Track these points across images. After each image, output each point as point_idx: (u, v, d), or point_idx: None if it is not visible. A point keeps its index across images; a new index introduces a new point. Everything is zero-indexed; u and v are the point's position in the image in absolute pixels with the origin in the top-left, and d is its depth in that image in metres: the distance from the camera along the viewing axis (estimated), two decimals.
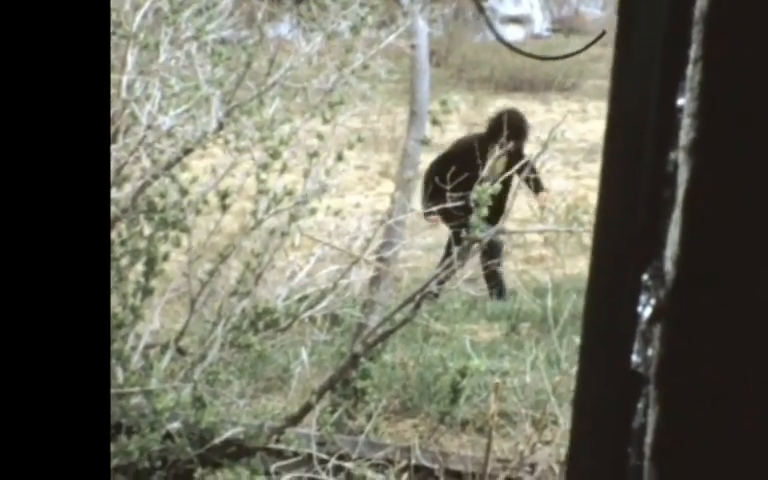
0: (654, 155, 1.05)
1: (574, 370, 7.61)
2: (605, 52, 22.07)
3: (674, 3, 1.03)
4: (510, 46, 4.14)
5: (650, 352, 1.06)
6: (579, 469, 1.15)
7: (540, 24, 25.57)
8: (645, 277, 1.06)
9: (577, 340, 8.25)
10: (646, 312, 1.06)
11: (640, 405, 1.06)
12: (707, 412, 1.05)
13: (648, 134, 1.05)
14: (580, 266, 13.83)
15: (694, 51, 1.02)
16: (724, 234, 1.03)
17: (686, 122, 1.03)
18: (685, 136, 1.03)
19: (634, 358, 1.06)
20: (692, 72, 1.02)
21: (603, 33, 3.86)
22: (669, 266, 1.04)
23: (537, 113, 20.18)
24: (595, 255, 1.12)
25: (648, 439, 1.06)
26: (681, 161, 1.03)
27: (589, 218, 13.40)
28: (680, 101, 1.03)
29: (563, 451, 7.10)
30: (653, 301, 1.06)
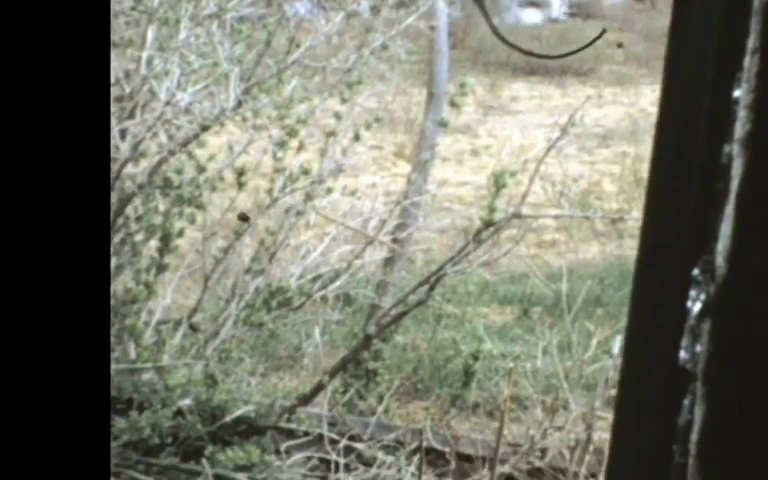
0: (708, 147, 1.02)
1: (586, 356, 7.62)
2: (622, 37, 22.00)
3: None
4: (506, 41, 4.13)
5: (698, 348, 1.04)
6: (622, 464, 1.13)
7: (558, 8, 25.48)
8: (695, 272, 1.04)
9: (589, 326, 8.22)
10: (695, 307, 1.04)
11: (686, 402, 1.04)
12: (755, 410, 1.03)
13: (702, 125, 1.03)
14: (593, 251, 13.80)
15: (752, 42, 1.00)
16: None
17: (742, 114, 1.00)
18: (740, 128, 1.00)
19: (682, 354, 1.04)
20: (749, 63, 1.00)
21: (603, 32, 3.86)
22: (720, 261, 1.02)
23: (553, 97, 20.13)
24: (644, 247, 1.10)
25: (694, 436, 1.04)
26: (735, 154, 1.01)
27: (601, 204, 13.38)
28: (736, 93, 1.01)
29: (573, 436, 7.08)
30: (703, 296, 1.04)
